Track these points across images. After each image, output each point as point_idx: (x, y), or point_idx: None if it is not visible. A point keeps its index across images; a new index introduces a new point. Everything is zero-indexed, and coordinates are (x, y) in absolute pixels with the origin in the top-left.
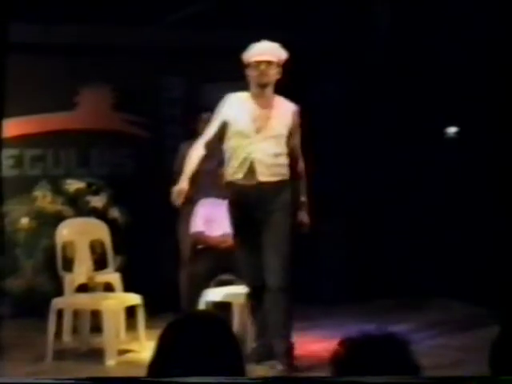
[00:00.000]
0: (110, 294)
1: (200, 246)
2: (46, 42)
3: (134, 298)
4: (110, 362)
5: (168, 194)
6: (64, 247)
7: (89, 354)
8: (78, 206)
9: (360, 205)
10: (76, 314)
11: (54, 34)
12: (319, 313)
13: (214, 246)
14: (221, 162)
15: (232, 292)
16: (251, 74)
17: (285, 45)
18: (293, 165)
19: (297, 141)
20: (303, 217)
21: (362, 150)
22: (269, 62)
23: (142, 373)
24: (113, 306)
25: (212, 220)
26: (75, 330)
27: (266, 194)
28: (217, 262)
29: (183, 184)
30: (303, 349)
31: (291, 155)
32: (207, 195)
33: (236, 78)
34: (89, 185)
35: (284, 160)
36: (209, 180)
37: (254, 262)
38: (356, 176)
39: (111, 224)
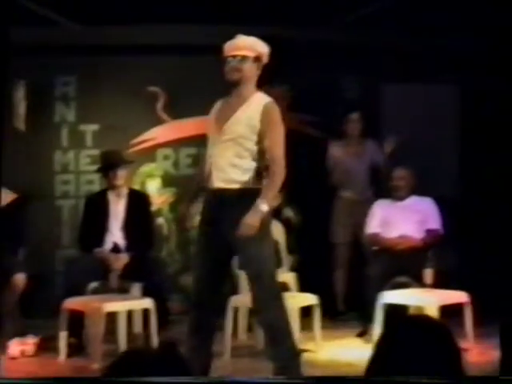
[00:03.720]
0: (287, 294)
1: (376, 248)
2: (220, 43)
3: (311, 298)
4: None
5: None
6: None
7: (264, 353)
8: None
9: None
10: (251, 312)
11: (227, 35)
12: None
13: (391, 247)
14: (373, 162)
15: (409, 295)
16: (225, 70)
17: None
18: (268, 169)
19: (271, 142)
20: (247, 218)
21: None
22: (242, 57)
23: (316, 372)
24: (290, 306)
25: (388, 221)
26: (250, 328)
27: (224, 202)
28: (393, 264)
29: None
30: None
31: (266, 158)
32: (363, 195)
33: (414, 79)
34: None
35: (247, 165)
36: (362, 179)
37: (205, 275)
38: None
39: (284, 223)
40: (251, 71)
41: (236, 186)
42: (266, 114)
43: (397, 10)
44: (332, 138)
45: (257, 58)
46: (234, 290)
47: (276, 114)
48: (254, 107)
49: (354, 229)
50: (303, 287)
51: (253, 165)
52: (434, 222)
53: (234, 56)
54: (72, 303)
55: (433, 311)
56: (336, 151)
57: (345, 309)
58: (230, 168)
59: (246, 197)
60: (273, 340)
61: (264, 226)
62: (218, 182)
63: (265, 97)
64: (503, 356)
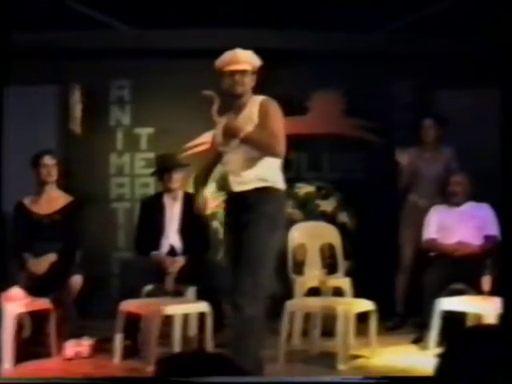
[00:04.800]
0: (344, 299)
1: (432, 254)
2: (272, 47)
3: (367, 304)
4: (342, 366)
5: (395, 200)
6: (295, 250)
7: (319, 358)
8: (307, 209)
9: None
10: (306, 317)
11: (279, 39)
12: None
13: (447, 253)
14: (446, 168)
15: (467, 302)
16: (225, 83)
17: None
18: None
19: (268, 129)
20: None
21: None
22: (243, 71)
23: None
24: (347, 311)
25: (445, 227)
26: (305, 333)
27: (241, 204)
28: (449, 271)
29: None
30: None
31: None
32: (432, 201)
33: (467, 84)
34: (318, 189)
35: (258, 162)
36: (433, 185)
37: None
38: None
39: (340, 228)
40: (251, 83)
41: (252, 185)
42: (262, 108)
43: (448, 14)
44: (387, 143)
45: (254, 71)
46: (290, 295)
47: (272, 107)
48: (252, 107)
49: (419, 234)
50: (359, 292)
51: (262, 159)
52: (492, 229)
53: (235, 71)
54: (129, 306)
55: (491, 319)
56: (410, 155)
57: (402, 314)
58: (243, 169)
59: (262, 194)
60: (241, 336)
61: (274, 227)
62: (236, 186)
63: (260, 96)
64: None
